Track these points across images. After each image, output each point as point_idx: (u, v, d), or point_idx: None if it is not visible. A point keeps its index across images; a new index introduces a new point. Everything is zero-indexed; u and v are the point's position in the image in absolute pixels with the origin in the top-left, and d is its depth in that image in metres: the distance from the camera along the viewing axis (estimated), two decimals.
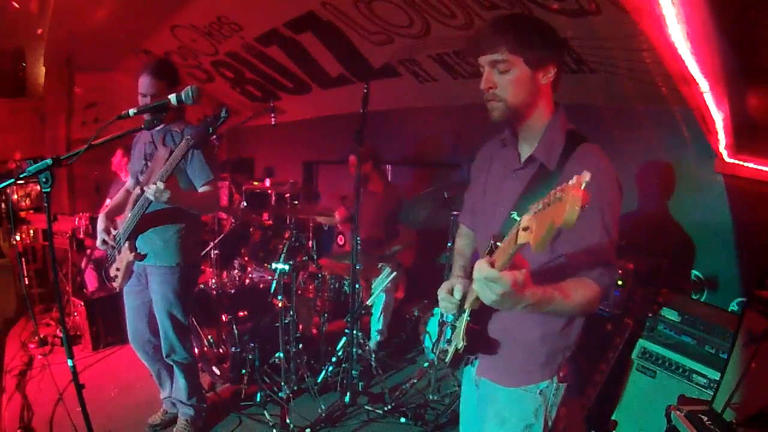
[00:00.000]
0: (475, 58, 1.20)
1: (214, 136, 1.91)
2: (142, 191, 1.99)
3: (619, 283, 2.23)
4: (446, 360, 1.35)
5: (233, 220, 3.99)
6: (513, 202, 1.21)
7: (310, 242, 3.87)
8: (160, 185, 1.80)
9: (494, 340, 1.27)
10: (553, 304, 1.07)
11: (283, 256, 2.66)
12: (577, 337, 1.27)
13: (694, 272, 2.44)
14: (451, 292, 1.26)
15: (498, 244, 1.05)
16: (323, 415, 2.59)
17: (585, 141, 1.19)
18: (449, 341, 1.35)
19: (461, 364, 1.38)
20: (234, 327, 2.85)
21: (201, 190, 2.13)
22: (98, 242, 2.23)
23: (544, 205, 0.79)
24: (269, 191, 4.77)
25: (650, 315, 2.10)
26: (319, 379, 2.87)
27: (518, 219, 1.05)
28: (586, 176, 0.76)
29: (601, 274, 1.11)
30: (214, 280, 3.37)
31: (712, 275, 2.41)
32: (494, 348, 1.27)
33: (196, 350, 2.90)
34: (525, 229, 0.83)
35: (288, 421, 2.51)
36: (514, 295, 0.95)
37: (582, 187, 0.74)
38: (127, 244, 2.11)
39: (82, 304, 3.39)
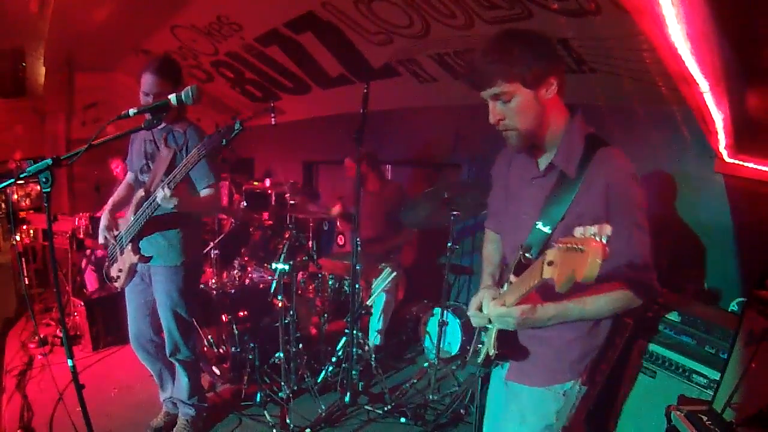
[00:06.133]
0: (476, 93, 1.21)
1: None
2: (147, 194, 1.99)
3: None
4: (478, 360, 1.39)
5: (233, 220, 3.99)
6: (537, 211, 1.22)
7: (310, 242, 3.87)
8: (168, 192, 1.80)
9: (524, 346, 1.29)
10: (573, 315, 1.13)
11: (283, 256, 2.66)
12: (606, 336, 1.28)
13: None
14: (480, 308, 1.26)
15: (527, 255, 1.18)
16: (323, 415, 2.59)
17: (604, 144, 1.18)
18: (482, 342, 1.38)
19: (492, 365, 1.41)
20: (234, 327, 2.85)
21: (203, 192, 2.13)
22: (100, 239, 2.22)
23: (567, 246, 0.82)
24: (269, 191, 4.77)
25: (650, 315, 2.10)
26: (319, 379, 2.87)
27: (544, 230, 1.18)
28: (607, 230, 0.78)
29: (630, 274, 1.12)
30: (214, 280, 3.37)
31: (713, 287, 2.40)
32: (525, 354, 1.29)
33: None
34: (550, 263, 0.85)
35: (288, 421, 2.51)
36: (528, 321, 1.10)
37: (603, 240, 0.77)
38: (130, 246, 2.10)
39: (82, 304, 3.39)
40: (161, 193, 1.81)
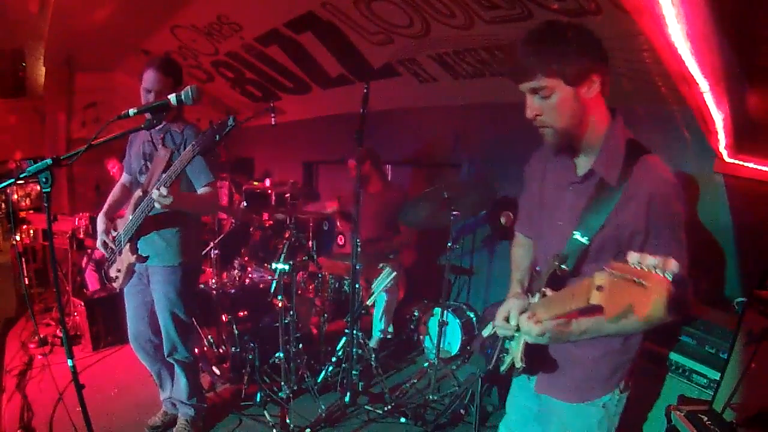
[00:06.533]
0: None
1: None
2: (144, 193, 1.99)
3: None
4: (501, 370, 1.34)
5: (233, 220, 3.99)
6: (574, 219, 1.17)
7: (310, 242, 3.87)
8: (164, 191, 1.80)
9: (553, 359, 1.26)
10: (607, 330, 1.10)
11: (283, 256, 2.66)
12: (639, 346, 1.25)
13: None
14: (507, 319, 1.22)
15: (563, 267, 1.14)
16: (323, 415, 2.59)
17: (645, 152, 1.14)
18: (506, 350, 1.34)
19: (516, 375, 1.35)
20: (234, 327, 2.85)
21: (201, 191, 2.13)
22: (98, 243, 2.23)
23: (623, 276, 0.76)
24: (269, 191, 4.77)
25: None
26: (319, 379, 2.87)
27: (582, 240, 1.13)
28: (673, 266, 0.73)
29: None
30: (214, 280, 3.37)
31: (713, 287, 2.39)
32: (553, 367, 1.26)
33: (196, 350, 2.89)
34: (599, 288, 0.81)
35: (288, 421, 2.51)
36: (562, 336, 1.08)
37: (669, 277, 0.71)
38: (128, 246, 2.11)
39: (82, 304, 3.39)
40: (156, 192, 1.81)
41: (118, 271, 2.21)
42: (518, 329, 1.20)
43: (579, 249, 1.15)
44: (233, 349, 2.84)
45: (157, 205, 1.87)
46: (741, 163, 2.23)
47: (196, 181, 2.12)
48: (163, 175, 1.84)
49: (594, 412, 1.25)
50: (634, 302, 0.73)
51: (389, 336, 3.32)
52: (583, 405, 1.25)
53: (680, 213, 1.11)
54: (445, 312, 2.81)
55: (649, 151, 1.14)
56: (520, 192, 1.46)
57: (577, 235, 1.15)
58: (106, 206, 2.29)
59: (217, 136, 1.68)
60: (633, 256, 0.77)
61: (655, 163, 1.12)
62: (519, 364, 1.22)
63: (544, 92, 1.10)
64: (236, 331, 2.84)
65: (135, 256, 2.10)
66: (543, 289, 1.16)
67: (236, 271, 3.51)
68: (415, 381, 2.97)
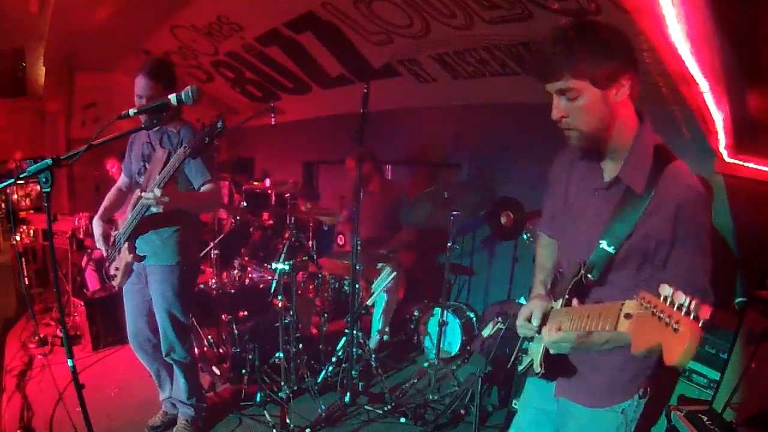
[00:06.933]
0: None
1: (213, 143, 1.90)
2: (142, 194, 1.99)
3: None
4: (519, 370, 1.35)
5: (233, 220, 3.99)
6: (600, 226, 1.15)
7: (310, 242, 3.87)
8: (158, 192, 1.80)
9: (573, 365, 1.25)
10: (626, 339, 1.09)
11: (283, 256, 2.66)
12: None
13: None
14: (529, 319, 1.22)
15: (589, 276, 1.14)
16: (323, 415, 2.59)
17: (673, 159, 1.11)
18: (524, 350, 1.34)
19: (531, 375, 1.36)
20: (234, 327, 2.85)
21: (200, 190, 2.13)
22: (98, 245, 2.24)
23: (653, 311, 0.75)
24: (269, 191, 4.77)
25: None
26: (319, 379, 2.87)
27: (608, 250, 1.12)
28: (705, 313, 0.72)
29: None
30: (214, 280, 3.37)
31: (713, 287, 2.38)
32: (573, 372, 1.25)
33: (196, 350, 2.90)
34: (627, 316, 0.81)
35: (288, 421, 2.51)
36: (584, 345, 1.08)
37: (699, 324, 0.71)
38: (126, 245, 2.11)
39: (82, 304, 3.39)
40: (150, 194, 1.81)
41: (117, 269, 2.22)
42: (539, 332, 1.20)
43: (605, 258, 1.14)
44: (233, 349, 2.84)
45: (153, 208, 1.87)
46: (741, 163, 2.23)
47: (195, 180, 2.13)
48: (158, 177, 1.85)
49: (613, 418, 1.24)
50: (664, 343, 0.73)
51: (386, 337, 3.31)
52: (602, 410, 1.24)
53: (707, 223, 1.10)
54: (445, 312, 2.81)
55: (677, 158, 1.12)
56: (544, 192, 1.44)
57: (604, 244, 1.13)
58: (101, 210, 2.30)
59: (207, 138, 1.69)
60: (665, 290, 0.76)
61: (683, 170, 1.10)
62: (538, 369, 1.22)
63: (571, 94, 1.07)
64: (236, 331, 2.84)
65: (132, 255, 2.10)
66: (567, 297, 1.15)
67: (236, 271, 3.51)
68: (415, 381, 2.97)
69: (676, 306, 0.73)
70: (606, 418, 1.25)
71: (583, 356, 1.23)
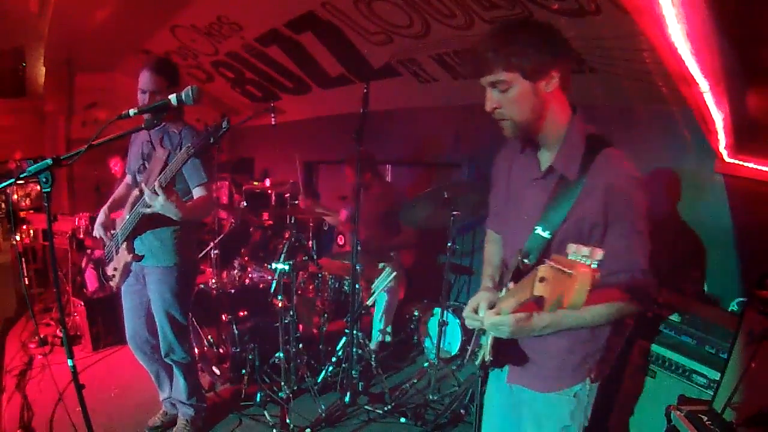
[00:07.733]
0: (477, 92, 1.20)
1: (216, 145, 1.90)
2: (140, 193, 1.99)
3: None
4: (476, 363, 1.37)
5: (233, 220, 3.99)
6: (537, 214, 1.20)
7: (310, 242, 3.87)
8: (159, 191, 1.80)
9: (522, 351, 1.27)
10: (569, 323, 1.12)
11: (283, 256, 2.66)
12: (608, 337, 1.27)
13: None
14: (476, 310, 1.24)
15: (525, 261, 1.16)
16: (323, 415, 2.59)
17: (605, 145, 1.16)
18: (481, 345, 1.36)
19: (489, 368, 1.39)
20: (234, 327, 2.85)
21: (195, 191, 2.11)
22: (95, 233, 2.23)
23: (558, 267, 0.78)
24: (269, 191, 4.77)
25: (650, 315, 2.10)
26: (319, 379, 2.87)
27: (543, 235, 1.16)
28: (598, 255, 0.75)
29: (628, 281, 1.10)
30: (214, 280, 3.37)
31: (713, 287, 2.39)
32: (523, 359, 1.27)
33: (196, 350, 2.90)
34: (542, 280, 0.83)
35: (288, 421, 2.51)
36: (522, 329, 1.08)
37: (594, 265, 0.74)
38: (124, 245, 2.11)
39: (82, 304, 3.39)
40: (148, 193, 1.81)
41: (115, 269, 2.22)
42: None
43: (541, 243, 1.17)
44: (233, 349, 2.84)
45: (150, 205, 1.87)
46: (741, 163, 2.23)
47: (191, 181, 2.12)
48: (160, 176, 1.85)
49: (566, 402, 1.27)
50: (563, 292, 0.75)
51: (387, 337, 3.31)
52: (555, 395, 1.27)
53: (640, 204, 1.13)
54: (445, 312, 2.81)
55: (610, 145, 1.16)
56: (490, 190, 1.49)
57: (539, 230, 1.17)
58: (110, 201, 2.30)
59: (212, 139, 1.69)
60: (571, 248, 0.79)
61: (614, 156, 1.14)
62: (487, 358, 1.25)
63: (502, 86, 1.13)
64: (236, 331, 2.84)
65: (131, 255, 2.10)
66: (509, 284, 1.18)
67: (236, 271, 3.51)
68: (415, 381, 2.97)
69: (579, 258, 0.77)
70: (559, 402, 1.27)
71: (531, 342, 1.25)
